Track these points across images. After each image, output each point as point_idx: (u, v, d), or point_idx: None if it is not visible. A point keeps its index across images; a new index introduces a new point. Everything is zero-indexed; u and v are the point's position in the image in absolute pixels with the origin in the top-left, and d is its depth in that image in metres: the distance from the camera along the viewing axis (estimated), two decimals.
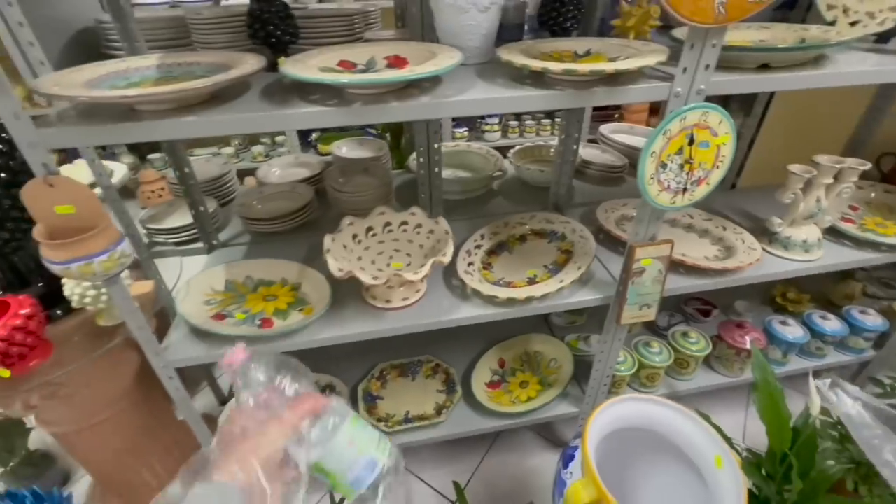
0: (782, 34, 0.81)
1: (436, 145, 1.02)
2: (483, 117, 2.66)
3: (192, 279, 0.90)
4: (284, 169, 1.33)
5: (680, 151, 0.68)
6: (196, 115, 0.56)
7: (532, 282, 0.91)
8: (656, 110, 2.79)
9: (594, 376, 1.04)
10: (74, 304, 0.70)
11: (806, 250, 0.97)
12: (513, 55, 0.67)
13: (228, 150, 2.52)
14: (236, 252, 1.05)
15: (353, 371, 1.20)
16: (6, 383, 0.66)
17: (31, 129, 0.53)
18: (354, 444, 0.42)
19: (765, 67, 0.70)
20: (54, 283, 0.77)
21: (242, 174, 1.39)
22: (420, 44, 0.74)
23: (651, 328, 1.29)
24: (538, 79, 0.68)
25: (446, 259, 0.81)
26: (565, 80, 0.66)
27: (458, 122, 2.56)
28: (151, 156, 2.44)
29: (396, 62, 0.72)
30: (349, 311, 0.86)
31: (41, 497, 0.56)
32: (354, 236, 0.90)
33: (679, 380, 1.18)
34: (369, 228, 0.93)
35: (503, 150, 1.42)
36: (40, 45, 0.65)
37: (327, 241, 0.83)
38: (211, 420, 1.30)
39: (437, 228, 0.91)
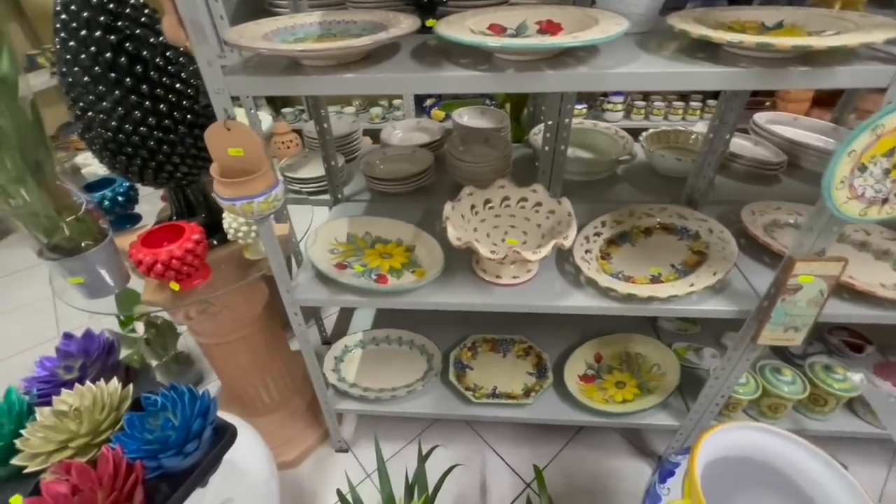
0: None
1: (566, 120, 0.97)
2: (606, 94, 2.47)
3: (320, 228, 0.97)
4: (406, 132, 1.37)
5: (891, 153, 0.56)
6: (356, 73, 0.59)
7: (655, 280, 0.84)
8: (823, 101, 2.34)
9: (706, 393, 0.94)
10: (229, 237, 0.80)
11: None
12: (688, 24, 0.58)
13: (350, 109, 2.67)
14: (357, 208, 1.11)
15: (446, 337, 1.24)
16: (174, 295, 0.78)
17: (220, 76, 0.59)
18: None
19: None
20: (215, 215, 0.89)
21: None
22: (575, 8, 0.68)
23: (780, 352, 1.12)
24: (712, 53, 0.59)
25: (567, 243, 0.77)
26: (751, 56, 0.56)
27: (577, 97, 2.40)
28: (284, 110, 2.69)
29: (549, 27, 0.68)
30: (458, 279, 0.87)
31: (195, 395, 0.66)
32: (472, 207, 0.90)
33: (810, 417, 1.02)
34: (487, 201, 0.92)
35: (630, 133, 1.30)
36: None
37: (447, 208, 0.84)
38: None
39: (558, 209, 0.87)
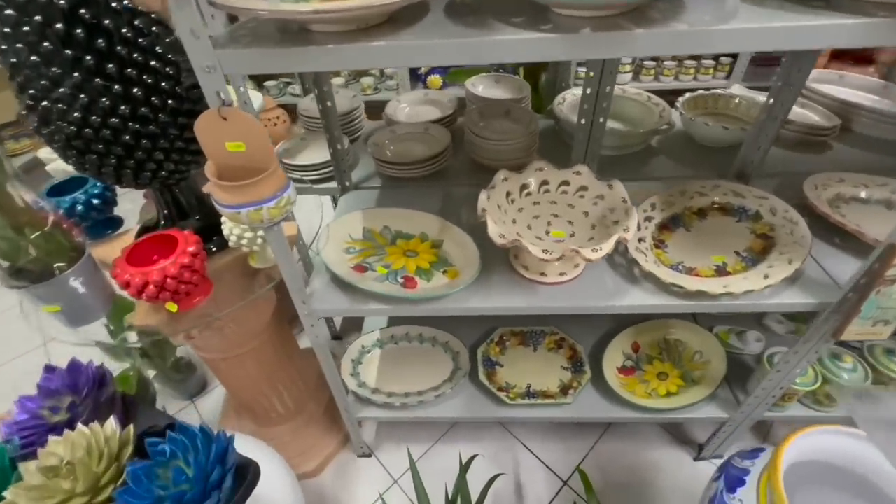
0: None
1: (608, 89, 0.84)
2: None
3: (332, 224, 0.85)
4: (413, 106, 1.22)
5: None
6: (385, 40, 0.45)
7: (721, 271, 0.74)
8: (839, 55, 2.21)
9: (765, 386, 0.87)
10: (231, 244, 0.68)
11: None
12: None
13: (338, 80, 2.47)
14: (368, 197, 0.99)
15: (470, 332, 1.14)
16: (171, 316, 0.66)
17: (210, 50, 0.45)
18: None
19: None
20: (211, 216, 0.76)
21: None
22: None
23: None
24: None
25: (629, 235, 0.66)
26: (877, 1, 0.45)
27: None
28: (268, 83, 2.47)
29: None
30: (496, 278, 0.77)
31: (209, 437, 0.56)
32: (507, 194, 0.78)
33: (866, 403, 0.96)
34: (524, 186, 0.80)
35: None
36: None
37: (483, 199, 0.72)
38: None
39: (608, 194, 0.76)
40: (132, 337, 0.68)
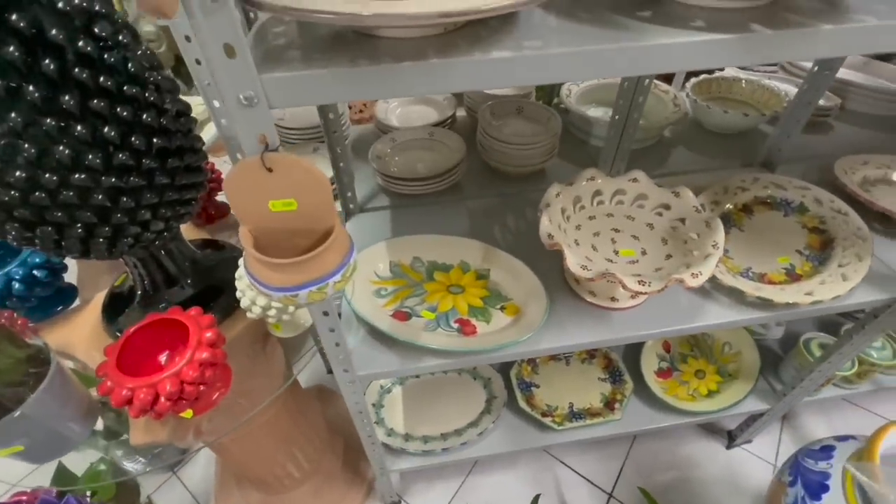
0: None
1: (647, 82, 0.76)
2: None
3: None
4: (405, 107, 1.08)
5: None
6: (508, 50, 0.33)
7: (791, 274, 0.70)
8: None
9: (813, 377, 0.86)
10: (252, 316, 0.52)
11: None
12: None
13: None
14: (380, 221, 0.84)
15: None
16: (183, 421, 0.50)
17: (251, 74, 0.30)
18: None
19: None
20: (205, 275, 0.59)
21: None
22: None
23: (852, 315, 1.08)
24: None
25: (719, 252, 0.59)
26: None
27: None
28: None
29: None
30: (561, 307, 0.67)
31: None
32: (563, 211, 0.68)
33: (890, 375, 1.00)
34: (577, 199, 0.71)
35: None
36: None
37: (545, 224, 0.61)
38: (323, 391, 1.19)
39: (675, 203, 0.68)
40: (124, 453, 0.50)
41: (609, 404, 0.95)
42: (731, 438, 1.10)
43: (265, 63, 0.32)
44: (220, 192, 0.76)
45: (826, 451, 0.75)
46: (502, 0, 0.29)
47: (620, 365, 1.01)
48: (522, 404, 0.93)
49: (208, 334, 0.46)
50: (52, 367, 0.43)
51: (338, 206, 0.85)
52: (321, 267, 0.37)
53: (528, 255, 0.71)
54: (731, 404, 0.93)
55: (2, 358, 0.40)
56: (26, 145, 0.36)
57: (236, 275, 0.51)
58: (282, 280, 0.37)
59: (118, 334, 0.57)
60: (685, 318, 0.66)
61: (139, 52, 0.42)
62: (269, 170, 0.34)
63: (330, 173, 0.83)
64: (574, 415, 0.94)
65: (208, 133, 0.93)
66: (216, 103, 0.55)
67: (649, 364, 1.01)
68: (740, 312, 0.66)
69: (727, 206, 0.81)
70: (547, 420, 0.91)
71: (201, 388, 0.45)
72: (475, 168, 0.95)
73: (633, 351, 1.04)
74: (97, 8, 0.38)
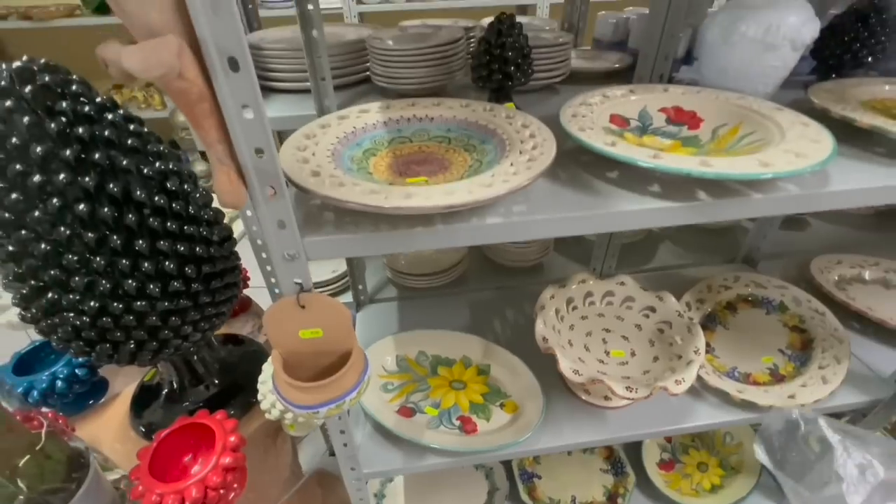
0: None
1: None
2: None
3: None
4: None
5: None
6: (500, 216, 0.41)
7: (775, 375, 0.74)
8: None
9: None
10: (269, 417, 0.57)
11: None
12: (837, 106, 0.50)
13: None
14: (387, 312, 0.91)
15: None
16: None
17: (296, 239, 0.38)
18: None
19: None
20: (228, 374, 0.64)
21: None
22: (710, 91, 0.56)
23: None
24: (859, 138, 0.51)
25: (701, 359, 0.64)
26: None
27: None
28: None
29: (680, 117, 0.56)
30: (557, 406, 0.71)
31: None
32: (556, 311, 0.75)
33: None
34: (570, 300, 0.77)
35: None
36: None
37: (540, 327, 0.67)
38: (325, 478, 1.18)
39: (660, 307, 0.74)
40: None
41: (612, 498, 0.95)
42: None
43: (306, 226, 0.40)
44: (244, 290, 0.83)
45: None
46: (494, 192, 0.37)
47: (622, 455, 1.01)
48: (525, 497, 0.93)
49: (231, 438, 0.50)
50: (90, 470, 0.47)
51: (349, 297, 0.92)
52: (341, 387, 0.43)
53: (526, 349, 0.76)
54: (734, 502, 0.92)
55: (50, 463, 0.45)
56: (103, 281, 0.43)
57: (259, 379, 0.57)
58: (306, 399, 0.43)
59: (142, 429, 0.62)
60: (676, 417, 0.70)
61: (197, 195, 0.51)
62: (302, 306, 0.41)
63: (343, 267, 0.91)
64: None
65: (238, 228, 1.03)
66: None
67: (651, 455, 1.01)
68: (728, 413, 0.69)
69: (712, 304, 0.87)
70: None
71: (222, 491, 0.49)
72: (477, 262, 1.03)
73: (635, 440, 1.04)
74: (171, 166, 0.48)
